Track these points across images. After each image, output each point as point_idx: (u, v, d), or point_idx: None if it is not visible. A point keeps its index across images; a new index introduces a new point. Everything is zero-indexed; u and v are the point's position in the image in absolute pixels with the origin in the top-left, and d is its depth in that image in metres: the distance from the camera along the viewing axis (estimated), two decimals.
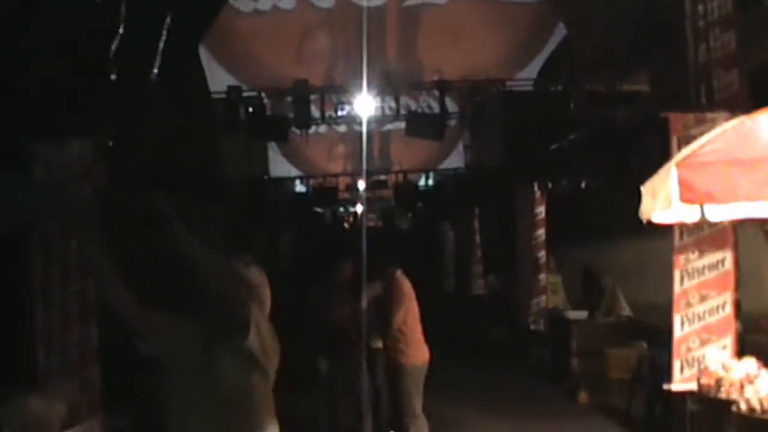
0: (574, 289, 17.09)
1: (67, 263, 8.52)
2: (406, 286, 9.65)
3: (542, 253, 17.52)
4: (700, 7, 10.09)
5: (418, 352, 9.27)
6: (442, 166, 26.14)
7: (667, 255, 8.93)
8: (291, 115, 17.11)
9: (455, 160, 25.39)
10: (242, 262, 5.31)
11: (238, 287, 4.33)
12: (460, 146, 24.61)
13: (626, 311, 14.13)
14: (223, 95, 17.00)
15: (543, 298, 17.46)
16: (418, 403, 9.13)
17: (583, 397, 13.09)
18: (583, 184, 15.53)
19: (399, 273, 9.63)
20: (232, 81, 18.49)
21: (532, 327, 17.34)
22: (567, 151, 16.03)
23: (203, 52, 18.20)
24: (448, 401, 12.03)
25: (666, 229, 8.53)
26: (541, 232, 17.53)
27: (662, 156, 9.76)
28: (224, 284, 4.27)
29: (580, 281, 15.95)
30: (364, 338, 9.80)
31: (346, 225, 34.58)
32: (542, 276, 17.56)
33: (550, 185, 16.90)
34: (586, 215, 17.54)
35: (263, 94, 17.33)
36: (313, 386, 10.48)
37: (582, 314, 14.82)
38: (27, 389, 7.64)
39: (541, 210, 17.52)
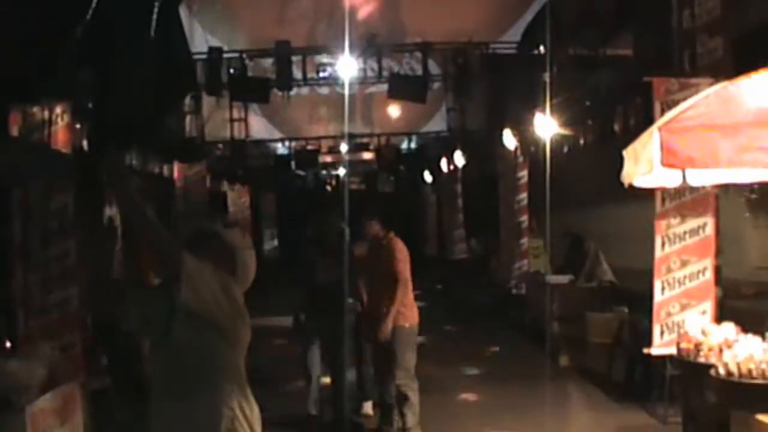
0: (557, 253, 17.15)
1: (48, 224, 8.48)
2: (403, 245, 9.35)
3: (524, 217, 17.55)
4: None
5: (414, 313, 9.11)
6: (424, 129, 26.09)
7: (649, 220, 8.96)
8: (273, 76, 17.01)
9: (438, 123, 25.33)
10: (222, 223, 5.28)
11: (168, 242, 4.23)
12: (443, 109, 24.54)
13: (608, 276, 14.18)
14: (204, 56, 16.87)
15: (525, 261, 17.52)
16: (412, 365, 9.09)
17: (563, 360, 13.15)
18: (565, 149, 15.51)
19: (392, 234, 9.35)
20: (213, 42, 18.35)
21: (514, 291, 17.40)
22: (551, 113, 15.99)
23: (184, 13, 18.02)
24: (430, 364, 12.07)
25: (648, 194, 8.55)
26: (523, 196, 17.55)
27: (645, 120, 9.79)
28: (155, 237, 4.17)
29: (563, 246, 15.98)
30: (345, 300, 9.53)
31: (328, 188, 34.52)
32: (524, 240, 17.61)
33: (532, 149, 16.87)
34: (569, 179, 17.55)
35: (245, 56, 17.21)
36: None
37: (563, 278, 14.86)
38: (7, 351, 7.63)
39: (523, 174, 17.53)
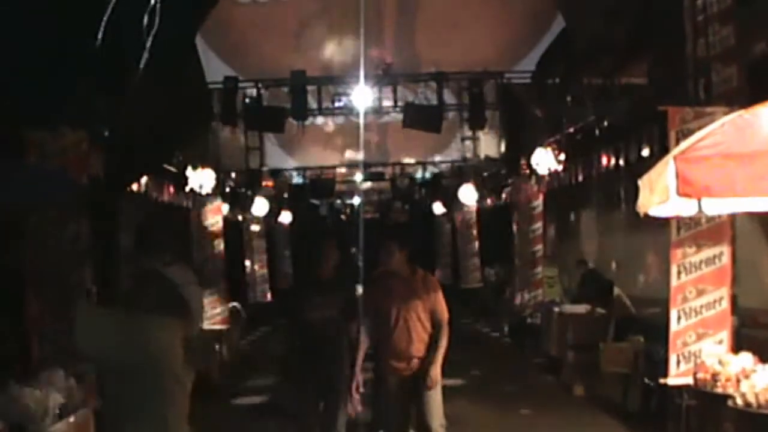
0: (571, 282, 17.09)
1: (62, 251, 8.50)
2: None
3: (539, 247, 17.52)
4: (699, 1, 10.07)
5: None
6: (439, 158, 26.12)
7: (665, 249, 8.92)
8: (288, 105, 17.07)
9: (453, 153, 25.35)
10: (162, 262, 5.24)
11: None
12: (458, 138, 24.57)
13: (630, 310, 14.03)
14: (220, 85, 16.95)
15: (540, 291, 17.46)
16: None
17: (578, 390, 13.08)
18: (580, 177, 15.52)
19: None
20: (229, 71, 18.43)
21: (529, 320, 17.34)
22: (565, 143, 16.00)
23: (200, 42, 18.14)
24: (446, 394, 12.01)
25: (664, 223, 8.52)
26: (538, 225, 17.52)
27: (660, 149, 9.77)
28: None
29: (579, 276, 15.94)
30: (349, 341, 8.48)
31: (343, 217, 34.54)
32: (539, 269, 17.57)
33: (547, 178, 16.88)
34: (583, 208, 17.54)
35: (260, 85, 17.29)
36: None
37: (579, 308, 14.80)
38: (22, 379, 7.63)
39: (538, 203, 17.51)
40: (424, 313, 8.03)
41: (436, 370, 8.05)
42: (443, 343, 8.09)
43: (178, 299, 4.47)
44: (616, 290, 14.34)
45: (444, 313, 8.10)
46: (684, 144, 6.43)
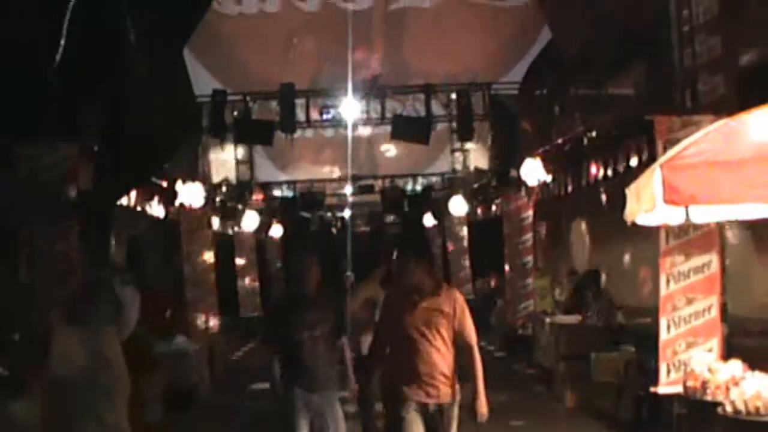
0: (562, 293, 17.12)
1: (54, 265, 8.49)
2: None
3: (530, 258, 17.55)
4: (686, 12, 10.14)
5: None
6: (429, 171, 26.13)
7: (654, 258, 8.94)
8: (276, 119, 17.08)
9: (442, 165, 25.38)
10: (120, 279, 5.41)
11: None
12: (448, 150, 24.62)
13: (619, 319, 14.05)
14: (208, 99, 16.96)
15: (531, 302, 17.48)
16: None
17: (570, 400, 13.08)
18: (570, 188, 15.54)
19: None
20: (217, 85, 18.45)
21: (520, 331, 17.35)
22: (554, 154, 16.04)
23: (188, 56, 18.14)
24: None
25: (653, 232, 8.55)
26: (528, 236, 17.56)
27: (647, 158, 9.81)
28: None
29: (571, 286, 15.96)
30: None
31: (333, 230, 34.51)
32: (530, 280, 17.59)
33: (536, 189, 16.90)
34: (573, 219, 17.57)
35: (248, 98, 17.30)
36: None
37: (570, 319, 14.81)
38: (14, 394, 7.61)
39: (528, 214, 17.54)
40: (448, 333, 7.03)
41: (482, 403, 7.32)
42: (478, 368, 7.24)
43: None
44: (607, 295, 14.38)
45: (472, 335, 7.15)
46: (670, 152, 6.46)
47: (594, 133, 14.13)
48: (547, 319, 15.53)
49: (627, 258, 14.91)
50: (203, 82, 18.92)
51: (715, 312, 8.68)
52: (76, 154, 8.74)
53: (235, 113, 17.28)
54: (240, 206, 22.43)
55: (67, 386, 4.75)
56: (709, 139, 5.99)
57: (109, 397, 4.87)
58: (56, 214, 8.23)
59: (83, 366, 4.66)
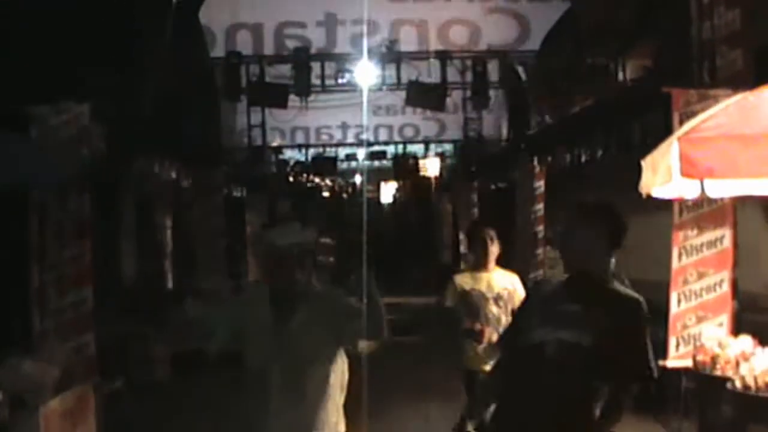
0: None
1: (64, 226, 8.50)
2: None
3: (541, 228, 17.50)
4: None
5: None
6: (442, 137, 26.06)
7: (667, 231, 8.90)
8: (291, 82, 17.02)
9: (455, 132, 25.29)
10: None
11: None
12: (461, 117, 24.52)
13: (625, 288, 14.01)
14: (223, 61, 16.91)
15: (541, 272, 17.45)
16: None
17: None
18: (583, 158, 15.47)
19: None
20: (231, 47, 18.36)
21: None
22: (568, 124, 15.97)
23: (203, 17, 18.04)
24: (445, 374, 12.03)
25: (666, 206, 8.50)
26: (540, 206, 17.49)
27: (664, 130, 9.74)
28: None
29: None
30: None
31: (344, 195, 34.55)
32: (540, 250, 17.55)
33: (550, 159, 16.83)
34: (586, 189, 17.50)
35: (263, 61, 17.25)
36: None
37: None
38: (22, 352, 7.65)
39: (540, 184, 17.47)
40: (606, 354, 4.36)
41: None
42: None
43: None
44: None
45: (644, 364, 4.64)
46: (688, 125, 6.40)
47: (610, 104, 14.05)
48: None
49: (640, 230, 14.84)
50: (218, 44, 18.84)
51: (726, 287, 8.65)
52: (88, 115, 8.72)
53: (250, 76, 17.19)
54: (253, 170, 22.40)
55: None
56: (727, 113, 5.93)
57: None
58: (68, 176, 8.21)
59: None
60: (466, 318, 7.76)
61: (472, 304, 7.85)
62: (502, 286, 8.03)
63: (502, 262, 8.26)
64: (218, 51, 18.07)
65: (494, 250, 8.12)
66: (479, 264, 8.13)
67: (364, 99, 17.72)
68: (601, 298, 4.48)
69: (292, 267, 4.71)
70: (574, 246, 4.57)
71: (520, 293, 7.80)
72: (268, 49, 18.62)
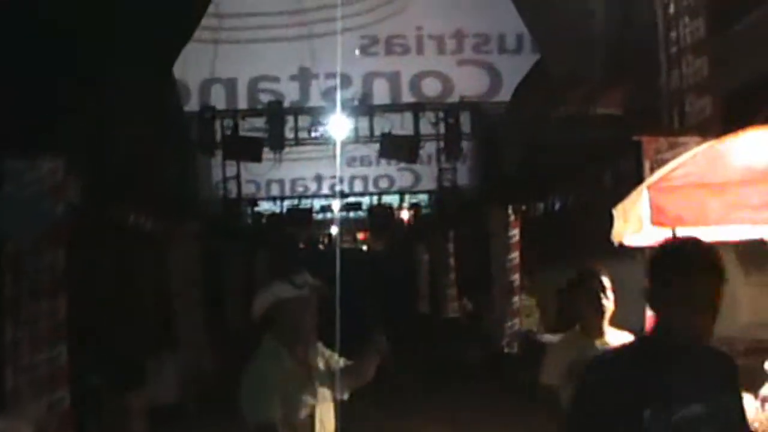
0: (549, 312, 17.11)
1: (38, 280, 8.44)
2: None
3: (516, 276, 17.55)
4: (673, 34, 10.20)
5: None
6: (417, 188, 26.17)
7: (641, 277, 8.93)
8: (265, 135, 17.09)
9: (430, 182, 25.42)
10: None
11: None
12: (435, 168, 24.67)
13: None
14: (197, 115, 16.97)
15: (517, 320, 17.48)
16: None
17: (557, 419, 13.05)
18: (557, 206, 15.58)
19: None
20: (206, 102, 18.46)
21: (507, 349, 17.34)
22: (542, 173, 16.08)
23: (177, 72, 18.14)
24: (425, 422, 11.97)
25: (639, 251, 8.55)
26: (515, 254, 17.56)
27: (635, 178, 9.83)
28: None
29: (556, 302, 15.96)
30: None
31: (320, 246, 34.50)
32: (516, 299, 17.59)
33: (524, 208, 16.93)
34: (560, 238, 17.58)
35: (237, 115, 17.33)
36: None
37: (556, 337, 14.78)
38: None
39: (515, 233, 17.56)
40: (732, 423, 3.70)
41: None
42: None
43: None
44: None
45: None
46: (657, 174, 6.48)
47: (582, 152, 14.17)
48: (534, 338, 15.55)
49: (615, 277, 14.90)
50: (193, 98, 18.96)
51: None
52: (63, 169, 8.71)
53: (224, 130, 17.26)
54: (229, 222, 22.37)
55: None
56: (695, 162, 6.01)
57: None
58: (42, 229, 8.19)
59: None
60: None
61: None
62: None
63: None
64: (193, 105, 18.16)
65: (609, 305, 6.08)
66: (590, 325, 5.99)
67: (338, 151, 17.79)
68: (701, 359, 3.61)
69: (314, 318, 4.71)
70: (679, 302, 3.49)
71: None
72: (242, 102, 18.76)
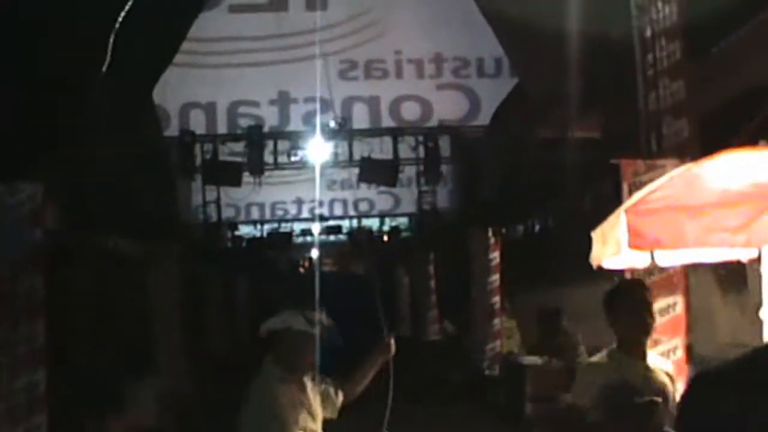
0: (530, 334, 17.13)
1: (16, 306, 8.40)
2: None
3: (497, 298, 17.58)
4: (650, 56, 10.28)
5: None
6: (397, 211, 26.21)
7: None
8: (244, 159, 17.09)
9: (410, 205, 25.47)
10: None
11: None
12: (415, 191, 24.72)
13: (582, 357, 14.00)
14: (177, 139, 16.97)
15: (498, 342, 17.49)
16: None
17: None
18: (537, 229, 15.64)
19: None
20: (185, 126, 18.45)
21: (488, 372, 17.34)
22: (521, 195, 16.14)
23: (156, 97, 18.15)
24: None
25: (618, 275, 8.59)
26: (495, 277, 17.59)
27: (614, 200, 9.88)
28: None
29: (536, 325, 15.99)
30: None
31: (301, 270, 34.46)
32: (497, 321, 17.61)
33: (503, 230, 16.98)
34: (540, 260, 17.64)
35: (217, 139, 17.34)
36: None
37: (537, 359, 14.82)
38: None
39: (495, 255, 17.60)
40: None
41: None
42: None
43: None
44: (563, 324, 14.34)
45: None
46: (635, 197, 6.52)
47: (560, 175, 14.24)
48: (514, 360, 15.55)
49: (596, 299, 14.94)
50: (172, 125, 18.97)
51: (680, 353, 8.72)
52: (42, 194, 8.68)
53: (204, 154, 17.25)
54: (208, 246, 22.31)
55: None
56: (672, 184, 6.05)
57: None
58: (21, 254, 8.16)
59: None
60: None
61: (618, 407, 4.91)
62: (661, 381, 5.49)
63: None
64: (172, 130, 18.16)
65: (653, 322, 5.58)
66: (631, 343, 5.38)
67: (317, 175, 17.81)
68: None
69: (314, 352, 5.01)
70: None
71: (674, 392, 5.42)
72: (222, 127, 18.79)
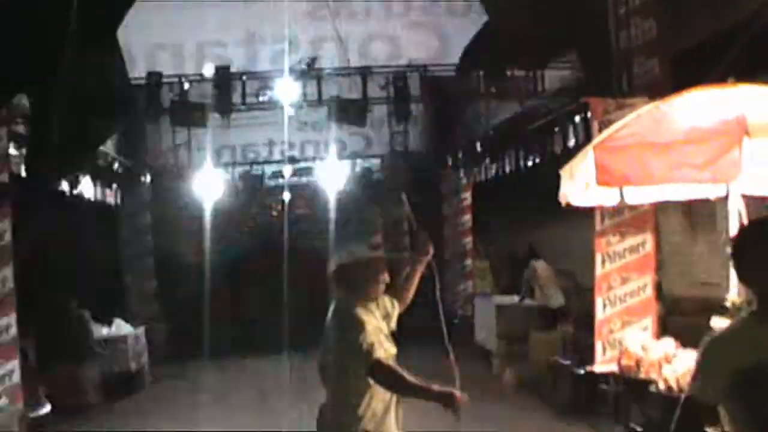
0: (503, 274, 17.22)
1: None
2: None
3: (468, 239, 17.63)
4: None
5: None
6: (369, 152, 26.08)
7: (591, 239, 9.02)
8: (212, 100, 16.89)
9: (382, 147, 25.35)
10: None
11: None
12: (386, 132, 24.59)
13: (558, 300, 14.08)
14: (144, 81, 16.73)
15: (470, 283, 17.58)
16: None
17: (510, 379, 13.19)
18: (508, 169, 15.61)
19: None
20: (152, 67, 18.18)
21: (460, 312, 17.44)
22: (492, 136, 16.10)
23: (121, 38, 17.83)
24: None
25: (590, 213, 8.62)
26: (467, 218, 17.65)
27: (585, 139, 9.88)
28: None
29: (509, 266, 16.08)
30: None
31: (273, 213, 34.30)
32: (468, 261, 17.68)
33: (476, 171, 16.97)
34: (512, 200, 17.67)
35: (184, 80, 17.10)
36: None
37: (508, 299, 14.92)
38: None
39: (467, 196, 17.62)
40: None
41: None
42: None
43: None
44: (533, 266, 14.40)
45: None
46: (603, 134, 6.52)
47: (532, 115, 14.20)
48: (486, 300, 15.65)
49: (566, 239, 15.03)
50: (138, 64, 18.71)
51: (649, 291, 8.81)
52: (6, 138, 8.58)
53: (172, 96, 17.01)
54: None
55: None
56: (640, 122, 6.05)
57: None
58: None
59: None
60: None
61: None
62: None
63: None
64: (139, 71, 17.91)
65: None
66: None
67: (285, 116, 17.62)
68: None
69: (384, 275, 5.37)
70: None
71: None
72: (190, 69, 18.53)
